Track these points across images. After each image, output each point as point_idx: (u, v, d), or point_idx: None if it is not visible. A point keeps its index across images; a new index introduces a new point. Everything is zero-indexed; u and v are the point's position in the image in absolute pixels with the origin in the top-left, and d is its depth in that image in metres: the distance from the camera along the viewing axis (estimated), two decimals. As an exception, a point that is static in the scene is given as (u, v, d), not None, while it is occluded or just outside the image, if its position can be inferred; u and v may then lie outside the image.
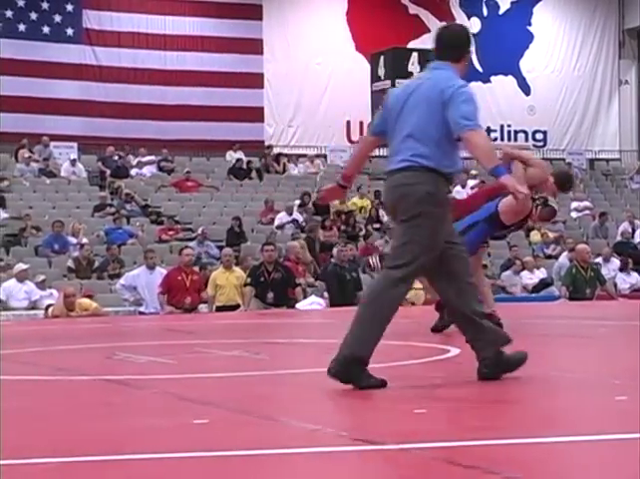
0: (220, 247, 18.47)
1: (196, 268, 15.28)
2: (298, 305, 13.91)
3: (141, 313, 14.17)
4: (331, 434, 3.55)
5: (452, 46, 5.15)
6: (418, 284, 14.85)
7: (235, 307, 13.86)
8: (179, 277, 13.95)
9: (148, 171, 23.33)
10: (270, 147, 26.00)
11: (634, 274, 18.88)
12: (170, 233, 19.90)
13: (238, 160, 24.23)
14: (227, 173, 23.97)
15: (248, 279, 13.70)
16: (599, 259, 18.39)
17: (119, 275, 16.03)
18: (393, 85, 14.46)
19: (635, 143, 29.93)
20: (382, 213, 21.76)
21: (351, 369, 4.78)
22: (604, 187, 26.89)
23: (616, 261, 18.99)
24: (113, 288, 15.84)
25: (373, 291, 5.05)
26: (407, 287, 5.07)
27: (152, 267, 14.41)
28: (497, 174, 4.86)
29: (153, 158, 23.73)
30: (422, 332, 9.45)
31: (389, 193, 5.09)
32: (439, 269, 5.02)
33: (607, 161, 29.17)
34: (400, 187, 4.94)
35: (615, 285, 17.95)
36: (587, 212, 23.63)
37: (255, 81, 26.45)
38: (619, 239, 21.21)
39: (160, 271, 14.44)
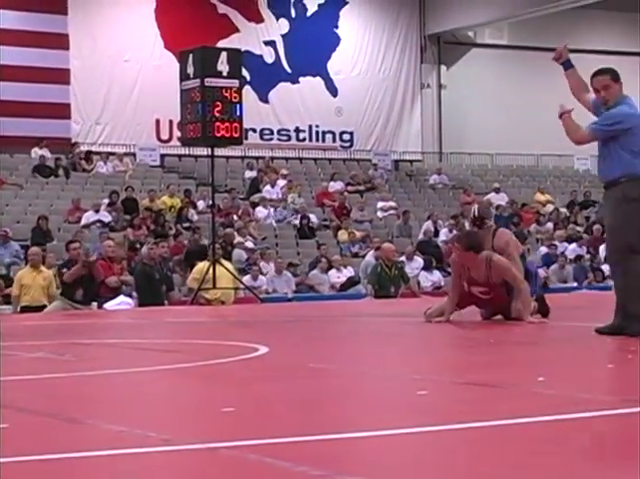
0: (24, 247, 17.97)
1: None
2: (106, 305, 13.73)
3: None
4: (138, 435, 3.52)
5: None
6: (228, 284, 14.88)
7: (41, 308, 13.53)
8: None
9: (-54, 167, 22.43)
10: (76, 144, 25.46)
11: (436, 273, 19.51)
12: (-29, 232, 19.17)
13: (42, 157, 23.63)
14: (32, 170, 23.33)
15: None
16: (403, 258, 18.91)
17: None
18: (202, 83, 14.38)
19: (436, 144, 30.96)
20: (192, 212, 21.71)
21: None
22: (408, 187, 27.69)
23: (419, 260, 19.57)
24: None
25: None
26: None
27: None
28: None
29: (-48, 153, 22.84)
30: (230, 331, 9.48)
31: None
32: None
33: (411, 162, 30.05)
34: None
35: (418, 283, 18.52)
36: (392, 211, 24.26)
37: (61, 76, 25.82)
38: (422, 237, 21.85)
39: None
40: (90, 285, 13.55)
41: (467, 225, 23.30)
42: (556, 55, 7.27)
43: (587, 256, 21.81)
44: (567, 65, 7.26)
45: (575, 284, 20.25)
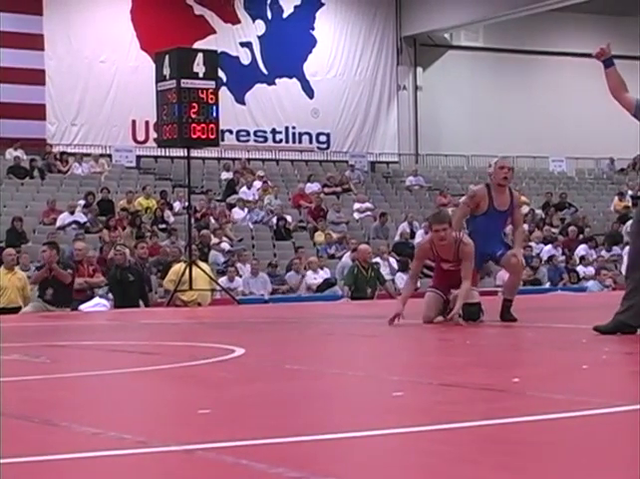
0: (-1, 249, 17.87)
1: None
2: (81, 307, 13.68)
3: None
4: (113, 437, 3.51)
5: None
6: (204, 285, 14.85)
7: (17, 310, 13.46)
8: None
9: None
10: (51, 145, 25.34)
11: (413, 274, 19.53)
12: (-55, 233, 19.09)
13: (17, 158, 23.51)
14: (7, 171, 23.21)
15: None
16: (379, 259, 18.94)
17: None
18: (178, 85, 14.33)
19: (412, 146, 31.03)
20: (168, 213, 21.66)
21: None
22: (385, 188, 27.74)
23: (392, 260, 19.62)
24: None
25: None
26: None
27: None
28: None
29: None
30: (207, 333, 9.47)
31: None
32: None
33: (387, 163, 30.11)
34: None
35: (393, 282, 18.55)
36: (369, 213, 24.30)
37: (36, 77, 25.71)
38: (398, 239, 21.89)
39: None
40: (61, 288, 13.48)
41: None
42: (599, 52, 7.14)
43: (562, 258, 21.92)
44: (608, 63, 7.12)
45: (549, 286, 20.34)
